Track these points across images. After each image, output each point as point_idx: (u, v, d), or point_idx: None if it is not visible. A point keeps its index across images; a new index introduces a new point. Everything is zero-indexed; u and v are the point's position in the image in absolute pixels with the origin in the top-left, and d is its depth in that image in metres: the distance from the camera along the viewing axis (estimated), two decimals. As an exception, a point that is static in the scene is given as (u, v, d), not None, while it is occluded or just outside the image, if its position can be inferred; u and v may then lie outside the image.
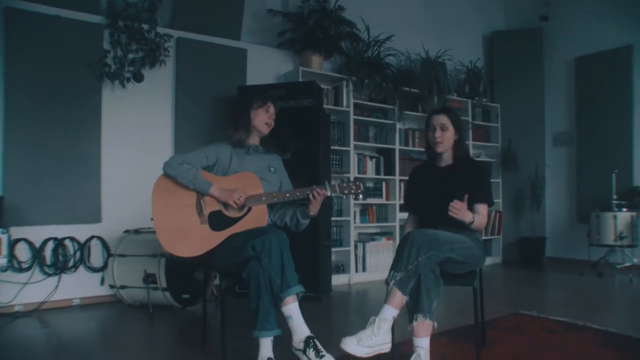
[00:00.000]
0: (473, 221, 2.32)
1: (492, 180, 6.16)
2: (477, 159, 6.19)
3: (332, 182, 2.49)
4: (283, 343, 2.27)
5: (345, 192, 2.43)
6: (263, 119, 2.57)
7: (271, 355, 2.17)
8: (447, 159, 2.58)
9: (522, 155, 6.20)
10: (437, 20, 6.19)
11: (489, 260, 6.13)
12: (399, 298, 2.12)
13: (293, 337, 2.13)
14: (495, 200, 6.12)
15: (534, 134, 6.32)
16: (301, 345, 2.08)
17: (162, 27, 4.24)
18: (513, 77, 6.41)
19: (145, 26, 4.09)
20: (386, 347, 2.11)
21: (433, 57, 5.70)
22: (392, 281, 2.14)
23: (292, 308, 2.12)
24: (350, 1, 5.02)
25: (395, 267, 2.18)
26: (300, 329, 2.11)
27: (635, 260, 5.02)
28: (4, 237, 2.81)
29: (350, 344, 2.04)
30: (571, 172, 6.12)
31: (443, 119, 2.51)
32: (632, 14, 5.55)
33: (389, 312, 2.11)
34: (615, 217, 4.96)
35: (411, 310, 2.18)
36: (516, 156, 6.21)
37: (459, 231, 2.37)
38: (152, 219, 2.42)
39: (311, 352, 2.04)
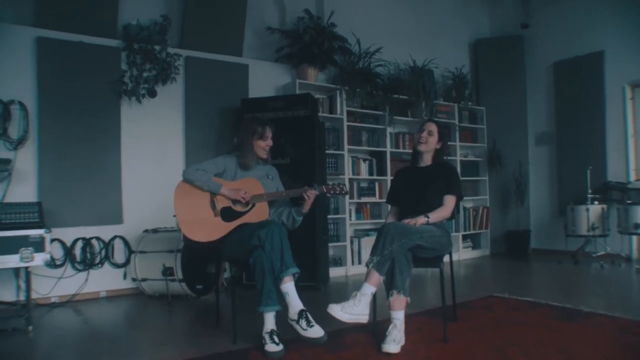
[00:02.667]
0: (428, 219, 2.82)
1: (478, 178, 6.70)
2: (465, 158, 6.66)
3: (321, 185, 2.98)
4: (283, 319, 2.75)
5: (331, 192, 2.96)
6: (262, 147, 3.06)
7: (274, 327, 2.65)
8: (427, 160, 3.09)
9: (507, 154, 6.67)
10: (424, 30, 6.66)
11: (477, 253, 6.61)
12: (376, 277, 2.61)
13: (289, 310, 2.61)
14: (482, 197, 6.67)
15: (517, 134, 6.78)
16: (295, 317, 2.56)
17: (172, 48, 4.72)
18: (497, 82, 6.89)
19: (157, 47, 4.57)
20: (364, 318, 2.58)
21: (420, 65, 6.17)
22: (371, 264, 2.62)
23: (289, 286, 2.61)
24: (341, 18, 5.50)
25: (373, 252, 2.66)
26: (295, 303, 2.59)
27: (608, 249, 5.48)
28: (47, 237, 3.29)
29: (335, 309, 2.53)
30: (552, 169, 6.58)
31: (432, 127, 3.06)
32: (603, 23, 5.99)
33: (368, 289, 2.59)
34: (587, 210, 5.42)
35: (387, 288, 2.66)
36: (501, 155, 6.67)
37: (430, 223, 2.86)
38: (174, 215, 2.91)
39: (303, 322, 2.54)
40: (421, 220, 2.80)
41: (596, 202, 5.48)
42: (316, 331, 2.52)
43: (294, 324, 2.57)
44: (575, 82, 6.26)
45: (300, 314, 2.56)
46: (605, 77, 5.97)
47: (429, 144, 3.06)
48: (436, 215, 2.87)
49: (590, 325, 2.96)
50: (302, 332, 2.54)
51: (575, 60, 6.26)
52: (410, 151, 5.94)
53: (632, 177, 5.73)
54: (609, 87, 5.96)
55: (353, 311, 2.54)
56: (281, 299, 2.66)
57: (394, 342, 2.56)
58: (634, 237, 5.45)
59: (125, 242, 4.46)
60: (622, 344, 2.62)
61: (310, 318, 2.56)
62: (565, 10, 6.39)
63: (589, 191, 5.58)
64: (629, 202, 5.16)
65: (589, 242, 5.64)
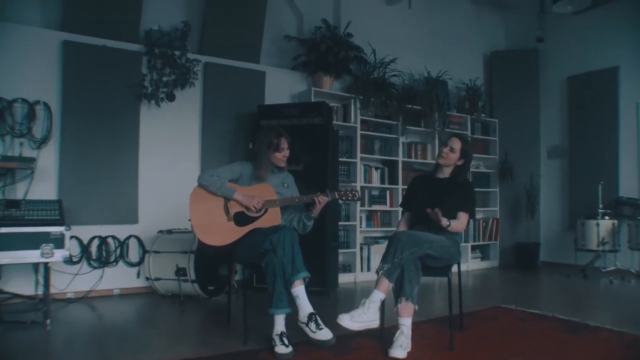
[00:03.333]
0: (449, 225, 2.87)
1: (489, 189, 6.73)
2: (476, 170, 6.70)
3: (333, 191, 3.05)
4: (293, 322, 2.82)
5: (343, 198, 3.02)
6: (279, 158, 3.13)
7: (284, 329, 2.72)
8: (446, 173, 3.13)
9: (518, 167, 6.69)
10: (439, 41, 6.72)
11: (486, 264, 6.63)
12: (385, 284, 2.67)
13: (299, 313, 2.68)
14: (492, 208, 6.70)
15: (529, 146, 6.80)
16: (305, 319, 2.63)
17: (192, 53, 4.83)
18: (511, 94, 6.92)
19: (177, 52, 4.69)
20: (374, 323, 2.64)
21: (434, 76, 6.24)
22: (381, 271, 2.69)
23: (299, 290, 2.68)
24: (358, 28, 5.59)
25: (384, 259, 2.72)
26: (304, 306, 2.66)
27: (618, 264, 5.48)
28: (67, 234, 3.40)
29: (344, 319, 2.59)
30: (563, 182, 6.59)
31: (456, 144, 3.08)
32: (618, 39, 6.02)
33: (378, 296, 2.66)
34: (598, 225, 5.42)
35: (396, 295, 2.73)
36: (513, 167, 6.69)
37: (440, 233, 2.91)
38: (189, 220, 3.00)
39: (312, 325, 2.61)
40: (444, 221, 2.86)
41: (607, 217, 5.48)
42: (325, 334, 2.59)
43: (303, 326, 2.64)
44: (589, 97, 6.28)
45: (310, 317, 2.63)
46: (619, 93, 5.98)
47: (448, 159, 3.09)
48: (455, 226, 2.92)
49: (595, 339, 2.99)
50: (311, 335, 2.61)
51: (589, 75, 6.28)
52: (424, 161, 6.10)
53: (644, 194, 5.73)
54: (622, 103, 5.97)
55: (362, 319, 2.60)
56: (291, 303, 2.73)
57: (401, 347, 2.62)
58: (644, 253, 5.44)
59: (140, 242, 4.57)
60: (627, 358, 2.64)
61: (320, 321, 2.63)
62: (581, 25, 6.42)
63: (600, 206, 5.58)
64: (639, 218, 5.16)
65: (598, 256, 5.64)
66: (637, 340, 2.94)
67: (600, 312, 3.92)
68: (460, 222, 2.99)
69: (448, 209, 2.94)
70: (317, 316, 2.64)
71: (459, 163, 3.11)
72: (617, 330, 3.16)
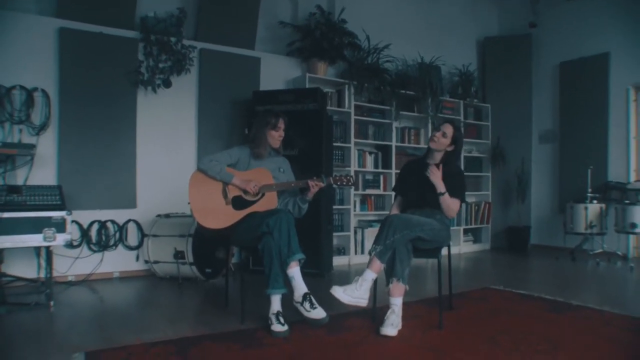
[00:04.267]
0: (443, 192, 2.98)
1: (482, 174, 6.85)
2: (469, 154, 6.80)
3: (328, 177, 3.15)
4: (289, 302, 2.94)
5: (338, 183, 3.12)
6: (275, 137, 3.24)
7: (280, 309, 2.84)
8: (436, 158, 3.19)
9: (510, 151, 6.81)
10: (433, 27, 6.77)
11: (478, 247, 6.78)
12: (377, 265, 2.79)
13: (294, 293, 2.80)
14: (484, 192, 6.83)
15: (521, 131, 6.91)
16: (300, 299, 2.76)
17: (187, 40, 4.86)
18: (503, 80, 7.00)
19: (172, 39, 4.72)
20: (363, 302, 2.76)
21: (428, 62, 6.30)
22: (374, 252, 2.81)
23: (295, 271, 2.80)
24: (352, 14, 5.63)
25: (376, 241, 2.84)
26: (300, 287, 2.79)
27: (605, 246, 5.63)
28: (69, 218, 3.49)
29: (337, 291, 2.73)
30: (554, 167, 6.71)
31: (448, 129, 3.14)
32: (609, 25, 6.09)
33: (370, 275, 2.78)
34: (586, 209, 5.56)
35: (388, 275, 2.85)
36: (504, 152, 6.80)
37: (431, 216, 3.02)
38: (189, 203, 3.09)
39: (307, 304, 2.74)
40: (441, 185, 3.00)
41: (595, 201, 5.61)
42: (318, 312, 2.72)
43: (298, 305, 2.77)
44: (580, 82, 6.37)
45: (305, 296, 2.75)
46: (609, 79, 6.07)
47: (439, 144, 3.15)
48: (449, 202, 3.01)
49: (577, 318, 3.14)
50: (305, 314, 2.74)
51: (581, 61, 6.36)
52: (417, 146, 6.19)
53: (632, 178, 5.86)
54: (613, 89, 6.06)
55: (354, 294, 2.73)
56: (287, 284, 2.85)
57: (392, 326, 2.75)
58: (631, 236, 5.59)
59: (138, 226, 4.66)
60: (605, 335, 2.78)
61: (314, 300, 2.76)
62: (573, 11, 6.48)
63: (589, 190, 5.71)
64: (626, 202, 5.30)
65: (587, 239, 5.79)
66: (615, 318, 3.09)
67: (584, 293, 4.07)
68: (454, 207, 3.07)
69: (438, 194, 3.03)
70: (311, 296, 2.77)
71: (450, 149, 3.17)
72: (598, 309, 3.31)
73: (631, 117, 5.96)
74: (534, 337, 2.72)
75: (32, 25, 4.20)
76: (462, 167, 6.53)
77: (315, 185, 3.09)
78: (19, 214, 3.35)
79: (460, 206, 3.19)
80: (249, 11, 5.25)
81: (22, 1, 4.30)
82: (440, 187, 3.01)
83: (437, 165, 3.14)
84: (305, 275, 2.89)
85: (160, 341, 2.66)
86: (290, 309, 2.86)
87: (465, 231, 6.66)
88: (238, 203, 3.10)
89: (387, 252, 2.80)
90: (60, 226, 3.46)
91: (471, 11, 7.24)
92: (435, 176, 3.04)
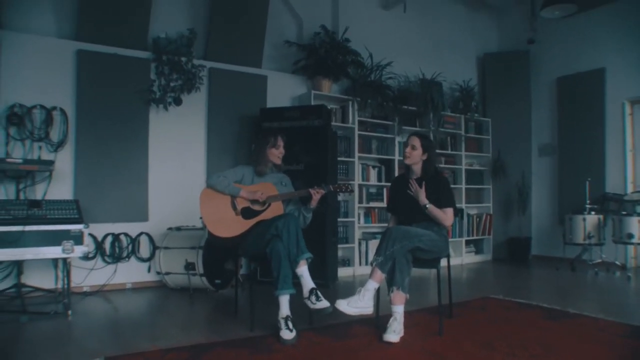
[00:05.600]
0: (427, 205, 3.14)
1: (483, 186, 7.00)
2: (470, 167, 6.97)
3: (328, 185, 3.36)
4: (297, 307, 3.09)
5: (338, 190, 3.36)
6: (275, 154, 3.44)
7: (289, 313, 2.99)
8: (417, 172, 3.36)
9: (511, 164, 6.97)
10: (434, 44, 6.99)
11: (480, 258, 6.91)
12: (379, 275, 2.95)
13: (303, 290, 2.99)
14: (486, 204, 6.98)
15: (521, 145, 7.08)
16: (307, 294, 2.96)
17: (197, 59, 5.08)
18: (503, 94, 7.19)
19: (183, 59, 4.93)
20: (368, 310, 2.92)
21: (429, 78, 6.50)
22: (375, 263, 2.97)
23: (303, 270, 3.00)
24: (355, 33, 5.86)
25: (377, 252, 3.00)
26: (307, 283, 2.99)
27: (604, 256, 5.75)
28: (86, 231, 3.67)
29: (342, 304, 2.88)
30: (553, 179, 6.86)
31: (415, 141, 3.32)
32: (605, 41, 6.29)
33: (372, 285, 2.94)
34: (584, 220, 5.70)
35: (389, 285, 3.00)
36: (505, 165, 6.96)
37: (428, 228, 3.18)
38: (200, 218, 3.27)
39: (313, 298, 2.94)
40: (423, 200, 3.15)
41: (593, 212, 5.75)
42: (323, 304, 2.93)
43: (305, 300, 2.97)
44: (577, 97, 6.55)
45: (311, 291, 2.96)
46: (606, 93, 6.25)
47: (413, 157, 3.31)
48: (437, 212, 3.16)
49: (572, 325, 3.27)
50: (311, 306, 2.94)
51: (577, 76, 6.54)
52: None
53: (629, 190, 6.00)
54: (609, 103, 6.24)
55: (358, 305, 2.89)
56: (295, 285, 3.01)
57: (394, 332, 2.90)
58: (629, 246, 5.71)
59: (150, 238, 4.84)
60: (597, 340, 2.92)
61: (320, 294, 2.96)
62: (570, 28, 6.66)
63: (588, 202, 5.86)
64: (623, 213, 5.44)
65: (586, 250, 5.92)
66: (609, 325, 3.22)
67: (581, 301, 4.20)
68: (445, 215, 3.21)
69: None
70: (317, 290, 2.98)
71: (424, 158, 3.32)
72: (593, 316, 3.45)
73: (627, 130, 6.12)
74: (529, 343, 2.86)
75: (53, 47, 4.44)
76: (464, 180, 6.71)
77: (316, 193, 3.28)
78: (39, 227, 3.54)
79: (455, 213, 3.30)
80: (256, 31, 5.47)
81: (44, 25, 4.54)
82: (423, 200, 3.16)
83: (421, 180, 3.29)
84: (309, 264, 3.06)
85: (174, 347, 2.82)
86: (297, 316, 3.02)
87: (467, 242, 6.80)
88: (247, 213, 3.29)
89: (388, 263, 2.96)
90: (78, 239, 3.64)
91: (471, 28, 7.46)
92: (417, 191, 3.17)
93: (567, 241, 5.88)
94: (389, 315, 3.01)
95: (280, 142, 3.47)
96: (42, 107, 4.30)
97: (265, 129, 3.72)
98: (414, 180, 3.30)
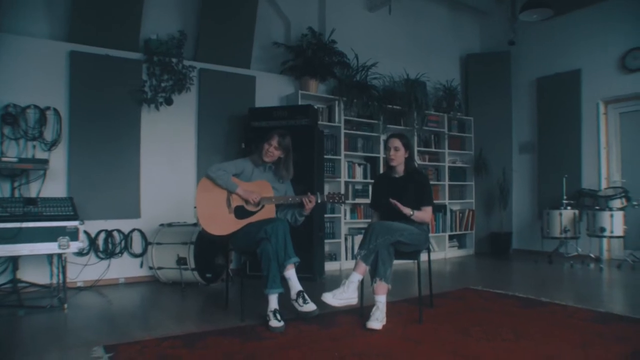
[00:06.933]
0: (412, 214, 3.32)
1: (465, 183, 7.22)
2: (453, 164, 7.19)
3: (322, 195, 3.50)
4: (285, 302, 3.27)
5: (330, 200, 3.48)
6: (266, 149, 3.52)
7: (277, 307, 3.17)
8: (400, 171, 3.55)
9: (492, 161, 7.20)
10: (418, 46, 7.20)
11: (463, 252, 7.15)
12: (362, 267, 3.13)
13: (290, 292, 3.16)
14: (468, 200, 7.20)
15: (502, 142, 7.33)
16: (295, 297, 3.12)
17: (187, 60, 5.20)
18: (485, 94, 7.42)
19: (174, 60, 5.06)
20: (353, 301, 3.11)
21: (413, 78, 6.70)
22: (359, 256, 3.15)
23: (291, 273, 3.16)
24: (342, 34, 6.04)
25: (361, 246, 3.18)
26: (295, 286, 3.15)
27: (579, 250, 6.02)
28: (81, 228, 3.80)
29: (327, 297, 3.07)
30: (533, 176, 7.12)
31: (396, 143, 3.49)
32: (580, 43, 6.55)
33: (356, 277, 3.13)
34: (561, 215, 5.95)
35: (372, 276, 3.19)
36: (487, 162, 7.19)
37: (410, 223, 3.37)
38: (195, 207, 3.41)
39: (300, 300, 3.11)
40: (407, 210, 3.30)
41: (569, 207, 6.01)
42: (310, 307, 3.10)
43: (293, 302, 3.13)
44: (555, 97, 6.81)
45: (299, 294, 3.12)
46: (582, 94, 6.52)
47: (398, 158, 3.48)
48: (420, 216, 3.36)
49: (544, 312, 3.50)
50: (299, 308, 3.10)
51: (556, 77, 6.80)
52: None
53: (603, 186, 6.27)
54: (585, 103, 6.51)
55: (343, 296, 3.07)
56: (282, 284, 3.19)
57: (377, 320, 3.09)
58: (603, 239, 5.98)
59: (142, 235, 4.97)
60: (565, 325, 3.14)
61: (306, 297, 3.13)
62: (548, 30, 6.91)
63: (565, 197, 6.11)
64: (597, 207, 5.70)
65: (562, 243, 6.17)
66: (577, 311, 3.46)
67: (554, 291, 4.42)
68: (425, 214, 3.42)
69: (408, 203, 3.36)
70: (304, 293, 3.13)
71: (406, 156, 3.50)
72: (563, 304, 3.68)
73: (601, 129, 6.39)
74: (502, 328, 3.06)
75: (46, 49, 4.54)
76: (447, 177, 6.92)
77: (309, 202, 3.41)
78: (36, 224, 3.66)
79: (433, 210, 3.50)
80: (245, 33, 5.62)
81: (37, 27, 4.65)
82: (408, 212, 3.31)
83: (403, 180, 3.48)
84: (299, 279, 3.24)
85: (169, 336, 2.97)
86: (286, 308, 3.20)
87: (451, 237, 7.02)
88: (240, 212, 3.43)
89: (371, 255, 3.14)
90: (74, 235, 3.77)
91: (454, 30, 7.68)
92: (399, 207, 3.29)
93: (545, 235, 6.13)
94: (372, 306, 3.19)
95: (273, 140, 3.54)
96: (36, 107, 4.41)
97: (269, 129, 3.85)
98: (396, 179, 3.49)
